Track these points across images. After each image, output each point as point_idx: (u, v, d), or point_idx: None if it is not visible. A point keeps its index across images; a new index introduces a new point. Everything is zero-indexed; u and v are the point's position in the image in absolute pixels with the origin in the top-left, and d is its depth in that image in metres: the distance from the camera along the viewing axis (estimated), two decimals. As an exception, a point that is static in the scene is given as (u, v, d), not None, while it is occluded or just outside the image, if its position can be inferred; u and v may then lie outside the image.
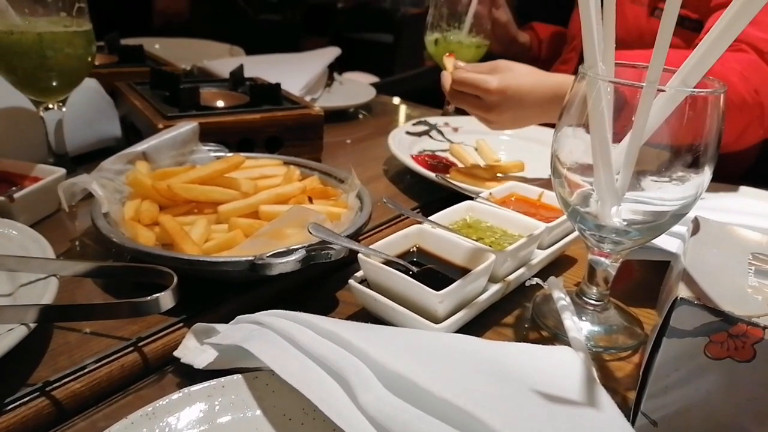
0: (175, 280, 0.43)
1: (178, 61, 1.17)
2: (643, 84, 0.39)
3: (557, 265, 0.63)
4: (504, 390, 0.33)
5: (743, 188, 0.80)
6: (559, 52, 1.35)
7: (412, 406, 0.32)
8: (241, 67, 0.95)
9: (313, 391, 0.35)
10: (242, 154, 0.66)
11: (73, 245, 0.61)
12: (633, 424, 0.38)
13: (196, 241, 0.53)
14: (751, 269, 0.40)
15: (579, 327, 0.47)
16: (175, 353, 0.44)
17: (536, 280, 0.55)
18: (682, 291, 0.36)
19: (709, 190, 0.75)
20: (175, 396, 0.35)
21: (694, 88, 0.40)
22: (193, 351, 0.43)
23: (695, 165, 0.42)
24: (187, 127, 0.68)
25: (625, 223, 0.45)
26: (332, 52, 1.30)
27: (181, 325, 0.49)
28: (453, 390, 0.31)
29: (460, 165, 0.87)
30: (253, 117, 0.79)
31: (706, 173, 0.43)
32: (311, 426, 0.36)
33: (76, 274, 0.48)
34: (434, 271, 0.51)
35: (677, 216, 0.44)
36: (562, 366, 0.39)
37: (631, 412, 0.39)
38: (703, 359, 0.35)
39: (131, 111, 0.81)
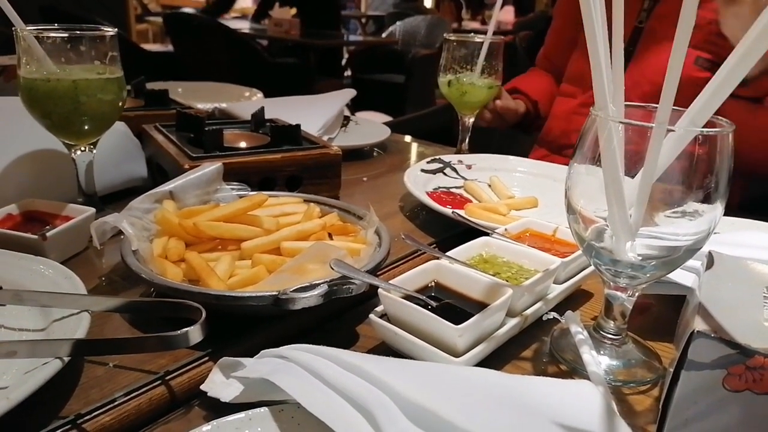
0: (204, 314, 0.45)
1: (200, 103, 1.22)
2: (653, 125, 0.41)
3: (573, 300, 0.63)
4: (525, 421, 0.34)
5: (755, 222, 0.80)
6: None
7: (436, 438, 0.33)
8: (262, 109, 0.98)
9: (338, 423, 0.35)
10: (264, 192, 0.69)
11: (101, 281, 0.63)
12: (654, 457, 0.39)
13: (221, 276, 0.55)
14: (766, 302, 0.41)
15: (598, 361, 0.48)
16: (202, 387, 0.45)
17: (553, 314, 0.56)
18: (699, 324, 0.37)
19: (722, 224, 0.76)
20: (205, 428, 0.36)
21: (703, 127, 0.42)
22: (219, 385, 0.44)
23: (707, 201, 0.44)
24: (212, 167, 0.71)
25: (640, 258, 0.46)
26: (348, 94, 1.34)
27: (206, 359, 0.50)
28: (475, 421, 0.32)
29: (474, 201, 0.89)
30: (274, 157, 0.82)
31: (718, 208, 0.44)
32: (336, 458, 0.37)
33: (107, 309, 0.49)
34: (453, 306, 0.52)
35: (691, 251, 0.45)
36: (582, 399, 0.39)
37: (652, 445, 0.40)
38: (722, 392, 0.36)
39: (158, 152, 0.84)
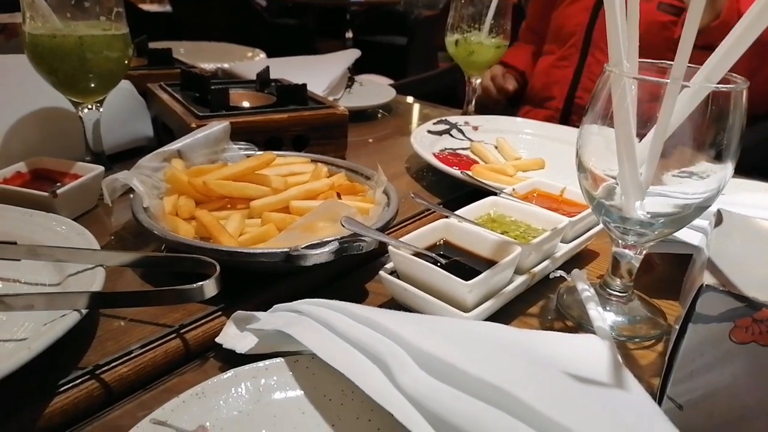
0: (218, 269, 0.45)
1: (203, 63, 1.20)
2: (668, 80, 0.41)
3: (580, 259, 0.64)
4: (535, 371, 0.35)
5: (761, 184, 0.81)
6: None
7: (448, 386, 0.34)
8: (267, 69, 0.97)
9: (353, 372, 0.36)
10: (272, 152, 0.69)
11: (111, 239, 0.63)
12: (660, 404, 0.40)
13: (232, 234, 0.55)
14: (774, 259, 0.41)
15: (603, 317, 0.49)
16: (217, 339, 0.46)
17: (560, 272, 0.56)
18: (708, 279, 0.37)
19: (731, 187, 0.76)
20: (225, 376, 0.37)
21: (717, 84, 0.41)
22: (234, 337, 0.45)
23: (718, 159, 0.44)
24: (219, 126, 0.71)
25: (649, 215, 0.47)
26: (352, 54, 1.32)
27: (219, 313, 0.51)
28: (487, 370, 0.33)
29: (481, 163, 0.89)
30: (281, 117, 0.81)
31: (729, 167, 0.44)
32: (350, 406, 0.38)
33: (121, 264, 0.50)
34: (461, 263, 0.53)
35: (700, 208, 0.46)
36: (589, 352, 0.40)
37: (656, 397, 0.41)
38: (728, 344, 0.37)
39: (163, 111, 0.83)
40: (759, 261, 0.41)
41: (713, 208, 0.49)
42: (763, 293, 0.36)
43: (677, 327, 0.39)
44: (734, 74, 0.43)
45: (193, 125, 0.73)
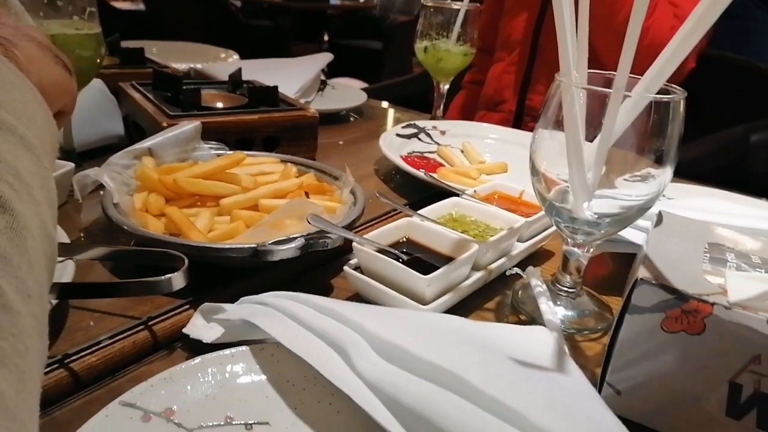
0: (186, 262, 0.47)
1: (175, 63, 1.21)
2: (611, 90, 0.44)
3: (536, 258, 0.67)
4: (483, 356, 0.37)
5: (713, 190, 0.85)
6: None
7: (402, 370, 0.36)
8: (239, 71, 0.99)
9: (315, 359, 0.39)
10: (242, 152, 0.70)
11: (81, 236, 0.64)
12: (599, 393, 0.43)
13: (201, 230, 0.57)
14: (706, 257, 0.45)
15: (554, 311, 0.52)
16: (184, 330, 0.47)
17: (516, 270, 0.60)
18: (642, 273, 0.40)
19: (681, 192, 0.81)
20: (192, 362, 0.39)
21: (657, 94, 0.45)
22: (201, 328, 0.47)
23: (659, 163, 0.47)
24: (190, 125, 0.72)
25: (596, 216, 0.50)
26: (325, 58, 1.34)
27: (187, 307, 0.52)
28: (439, 355, 0.36)
29: (447, 166, 0.92)
30: (252, 117, 0.83)
31: (668, 172, 0.48)
32: (312, 391, 0.40)
33: (91, 257, 0.51)
34: (422, 260, 0.55)
35: (642, 209, 0.49)
36: (536, 341, 0.43)
37: (597, 384, 0.44)
38: (660, 333, 0.40)
39: (135, 110, 0.84)
40: (692, 259, 0.44)
41: (655, 210, 0.52)
42: (693, 287, 0.39)
43: (617, 317, 0.42)
44: (673, 85, 0.47)
45: (165, 124, 0.75)
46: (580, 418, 0.32)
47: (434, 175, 0.79)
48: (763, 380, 0.37)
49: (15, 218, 0.24)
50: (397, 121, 1.25)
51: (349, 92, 1.32)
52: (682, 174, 0.97)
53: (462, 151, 0.99)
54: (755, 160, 1.49)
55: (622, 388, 0.43)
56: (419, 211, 0.61)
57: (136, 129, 0.85)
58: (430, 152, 0.98)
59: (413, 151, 0.97)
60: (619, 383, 0.43)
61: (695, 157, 1.49)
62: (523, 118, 1.41)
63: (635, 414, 0.42)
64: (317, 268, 0.62)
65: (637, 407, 0.42)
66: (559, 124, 0.49)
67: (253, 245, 0.52)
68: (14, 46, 0.34)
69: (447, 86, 1.14)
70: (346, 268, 0.54)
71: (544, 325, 0.48)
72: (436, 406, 0.33)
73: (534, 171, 0.53)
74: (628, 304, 0.41)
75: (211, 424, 0.37)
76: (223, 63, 1.41)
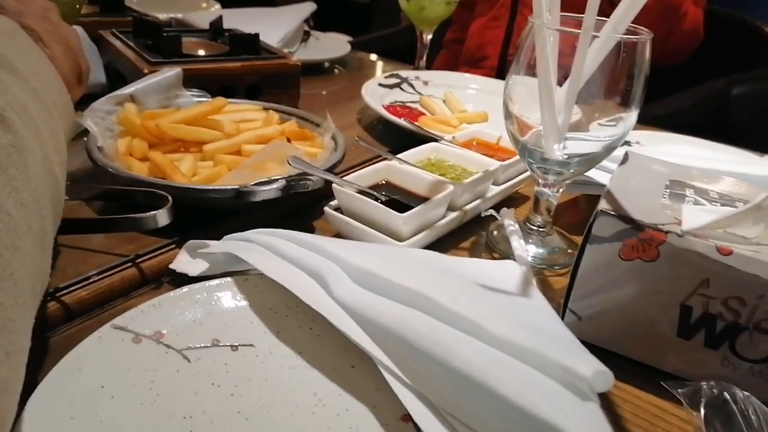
0: (170, 200, 0.49)
1: (155, 12, 1.19)
2: (580, 31, 0.45)
3: (511, 203, 0.70)
4: (452, 281, 0.40)
5: (686, 137, 0.88)
6: None
7: (375, 294, 0.39)
8: (220, 18, 0.98)
9: (295, 286, 0.41)
10: (224, 98, 0.71)
11: (65, 181, 0.65)
12: (563, 319, 0.46)
13: (185, 174, 0.58)
14: (666, 192, 0.47)
15: (525, 248, 0.55)
16: (171, 265, 0.49)
17: (491, 211, 0.62)
18: (603, 205, 0.43)
19: (657, 139, 0.83)
20: (180, 291, 0.41)
21: (625, 35, 0.47)
22: (187, 263, 0.49)
23: (625, 105, 0.49)
24: (172, 72, 0.73)
25: (566, 156, 0.52)
26: (308, 7, 1.33)
27: (173, 246, 0.54)
28: (409, 279, 0.38)
29: (429, 115, 0.93)
30: (234, 65, 0.83)
31: (633, 114, 0.50)
32: (294, 317, 0.42)
33: (79, 197, 0.53)
34: (400, 201, 0.57)
35: (609, 149, 0.51)
36: (505, 272, 0.46)
37: (560, 312, 0.47)
38: (618, 261, 0.43)
39: (116, 58, 0.84)
40: (651, 194, 0.47)
41: (622, 151, 0.55)
42: (649, 218, 0.42)
43: (578, 250, 0.45)
44: (639, 26, 0.49)
45: (146, 71, 0.75)
46: (538, 330, 0.35)
47: (416, 123, 0.80)
48: (711, 302, 0.40)
49: (17, 138, 0.26)
50: (381, 72, 1.25)
51: (332, 43, 1.32)
52: (663, 126, 1.00)
53: (444, 101, 1.00)
54: (736, 113, 1.52)
55: (584, 314, 0.46)
56: (398, 155, 0.63)
57: (118, 77, 0.85)
58: (412, 102, 0.99)
59: (396, 101, 0.98)
60: (580, 310, 0.46)
61: (676, 110, 1.51)
62: (505, 74, 1.41)
63: (595, 338, 0.45)
64: (299, 211, 0.64)
65: (596, 332, 0.45)
66: (531, 69, 0.50)
67: (235, 186, 0.54)
68: (45, 45, 0.36)
69: (430, 36, 1.14)
70: (326, 209, 0.56)
71: (515, 261, 0.51)
72: (405, 323, 0.36)
73: (507, 115, 0.54)
74: (589, 234, 0.43)
75: (199, 345, 0.39)
76: (205, 12, 1.39)
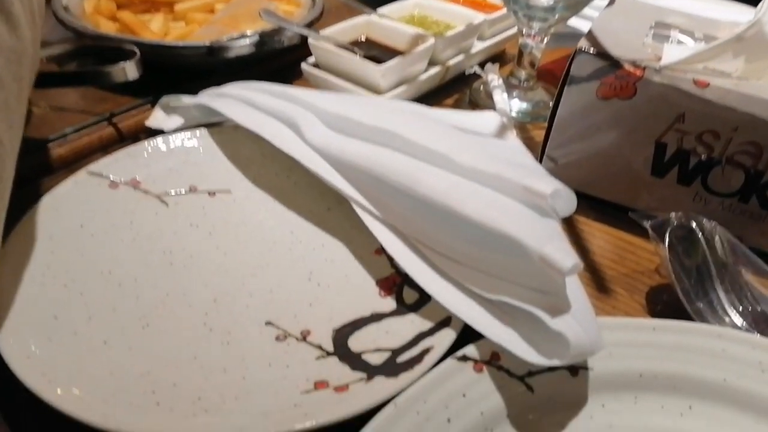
0: (138, 52, 0.47)
1: None
2: None
3: (498, 61, 0.68)
4: (426, 122, 0.39)
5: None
6: None
7: (346, 136, 0.39)
8: None
9: (269, 133, 0.41)
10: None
11: (37, 47, 0.63)
12: (540, 162, 0.46)
13: (155, 33, 0.56)
14: (650, 33, 0.46)
15: (507, 101, 0.54)
16: (146, 123, 0.49)
17: (476, 68, 0.60)
18: (582, 44, 0.42)
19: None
20: (154, 140, 0.41)
21: None
22: (162, 119, 0.48)
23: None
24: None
25: (552, 1, 0.50)
26: None
27: (149, 106, 0.53)
28: (380, 120, 0.38)
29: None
30: None
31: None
32: (270, 166, 0.43)
33: (48, 56, 0.51)
34: (379, 56, 0.56)
35: (594, -8, 0.49)
36: (484, 120, 0.45)
37: (539, 158, 0.47)
38: (595, 101, 0.42)
39: None
40: (634, 34, 0.45)
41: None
42: (628, 55, 0.41)
43: (556, 94, 0.44)
44: None
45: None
46: (505, 160, 0.35)
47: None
48: (686, 137, 0.40)
49: None
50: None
51: None
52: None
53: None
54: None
55: (560, 160, 0.46)
56: (378, 10, 0.60)
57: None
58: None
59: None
60: (558, 155, 0.46)
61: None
62: None
63: (571, 181, 0.44)
64: (277, 72, 0.62)
65: (573, 175, 0.46)
66: None
67: (207, 43, 0.52)
68: None
69: None
70: (303, 65, 0.55)
71: (496, 112, 0.50)
72: (375, 160, 0.36)
73: None
74: (568, 75, 0.42)
75: (176, 192, 0.40)
76: None
